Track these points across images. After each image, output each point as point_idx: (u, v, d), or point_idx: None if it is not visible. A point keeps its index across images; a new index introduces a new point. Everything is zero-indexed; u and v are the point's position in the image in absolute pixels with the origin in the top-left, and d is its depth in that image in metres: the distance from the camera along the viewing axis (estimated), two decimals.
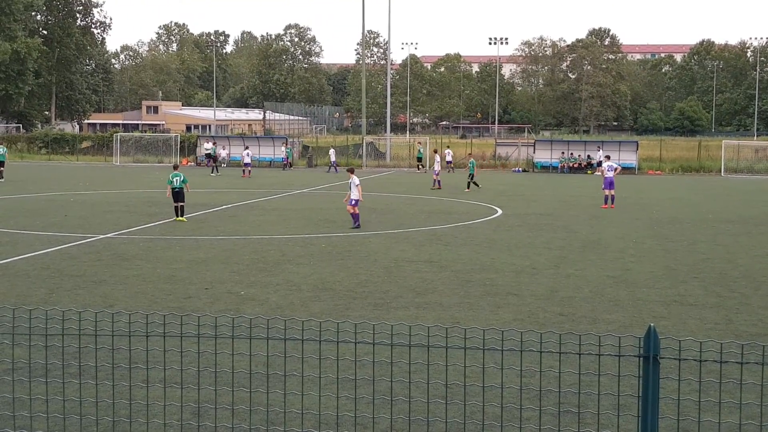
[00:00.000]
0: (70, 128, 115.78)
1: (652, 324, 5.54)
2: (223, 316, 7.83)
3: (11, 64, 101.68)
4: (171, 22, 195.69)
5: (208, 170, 56.44)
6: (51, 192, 38.00)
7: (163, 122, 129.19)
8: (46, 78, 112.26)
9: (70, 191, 37.40)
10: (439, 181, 44.10)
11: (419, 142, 66.39)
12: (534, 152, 63.77)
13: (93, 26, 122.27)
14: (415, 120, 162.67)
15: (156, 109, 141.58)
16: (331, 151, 60.88)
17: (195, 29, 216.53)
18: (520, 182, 50.80)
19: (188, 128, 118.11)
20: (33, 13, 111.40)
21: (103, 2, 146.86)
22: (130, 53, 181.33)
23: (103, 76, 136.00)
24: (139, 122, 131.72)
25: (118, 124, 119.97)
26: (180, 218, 27.54)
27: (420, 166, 60.94)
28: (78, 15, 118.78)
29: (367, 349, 8.79)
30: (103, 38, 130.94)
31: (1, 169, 46.92)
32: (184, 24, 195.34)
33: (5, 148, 51.13)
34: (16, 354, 7.15)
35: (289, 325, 6.59)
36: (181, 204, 27.91)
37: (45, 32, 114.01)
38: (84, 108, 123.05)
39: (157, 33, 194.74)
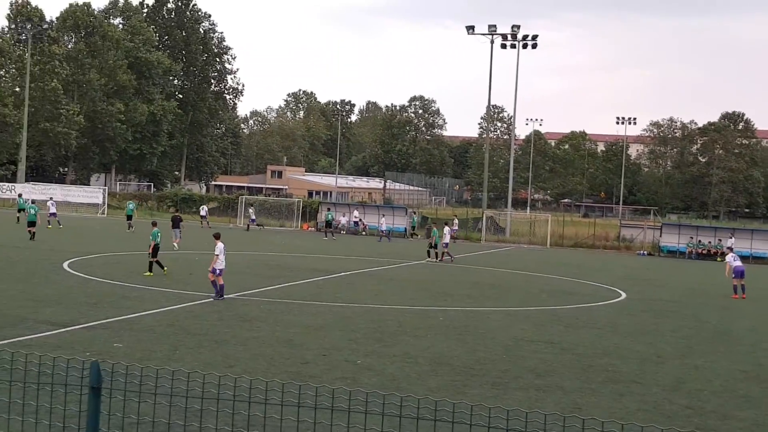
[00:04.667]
0: (197, 189, 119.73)
1: None
2: (338, 387, 7.71)
3: (147, 125, 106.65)
4: (299, 90, 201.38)
5: (327, 236, 57.27)
6: (177, 251, 39.07)
7: (287, 187, 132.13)
8: (179, 140, 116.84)
9: (195, 251, 38.40)
10: (448, 253, 43.52)
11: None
12: (660, 236, 62.07)
13: (226, 92, 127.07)
14: (536, 196, 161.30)
15: (280, 174, 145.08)
16: (446, 230, 57.68)
17: (322, 98, 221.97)
18: (645, 266, 49.37)
19: (310, 194, 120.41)
20: (171, 78, 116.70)
21: (237, 69, 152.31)
22: (259, 119, 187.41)
23: (232, 139, 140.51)
24: (263, 186, 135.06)
25: (243, 187, 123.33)
26: (148, 274, 27.87)
27: None
28: (213, 81, 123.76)
29: None
30: (235, 104, 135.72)
31: (129, 222, 51.58)
32: (311, 92, 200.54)
33: (135, 204, 57.84)
34: (141, 410, 7.19)
35: (405, 402, 6.45)
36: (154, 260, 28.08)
37: (180, 96, 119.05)
38: (212, 170, 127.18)
39: (286, 100, 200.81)
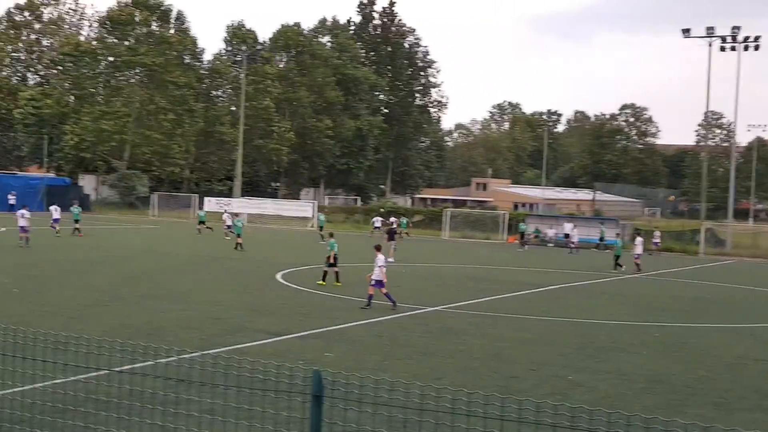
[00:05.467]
0: (402, 202, 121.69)
1: None
2: (544, 401, 7.39)
3: (354, 140, 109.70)
4: (504, 101, 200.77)
5: (535, 249, 56.55)
6: (389, 264, 39.64)
7: (492, 199, 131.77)
8: (384, 153, 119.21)
9: (402, 263, 38.81)
10: (638, 264, 41.67)
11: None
12: None
13: (430, 105, 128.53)
14: (759, 206, 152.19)
15: (485, 186, 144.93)
16: (638, 240, 52.12)
17: (527, 108, 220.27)
18: None
19: (515, 206, 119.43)
20: (377, 93, 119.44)
21: (441, 82, 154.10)
22: (463, 131, 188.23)
23: (436, 152, 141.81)
24: (468, 198, 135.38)
25: (447, 200, 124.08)
26: (321, 282, 28.24)
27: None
28: (417, 95, 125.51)
29: None
30: (439, 117, 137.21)
31: (321, 233, 53.29)
32: (516, 103, 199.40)
33: (324, 216, 62.15)
34: (351, 418, 7.18)
35: (614, 419, 6.09)
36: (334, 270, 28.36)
37: (386, 111, 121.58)
38: (417, 183, 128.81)
39: (490, 112, 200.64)
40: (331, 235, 30.34)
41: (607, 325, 22.62)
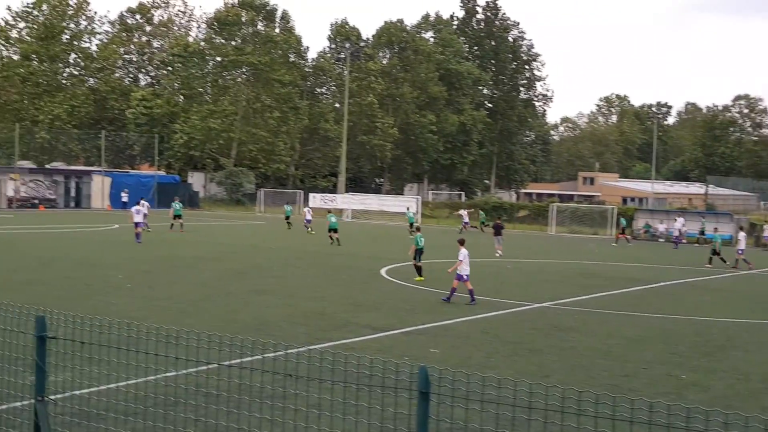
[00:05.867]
0: (507, 197, 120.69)
1: None
2: (657, 401, 7.10)
3: (458, 135, 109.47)
4: (612, 93, 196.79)
5: (645, 244, 55.28)
6: (496, 258, 39.41)
7: (599, 193, 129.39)
8: (488, 148, 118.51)
9: (511, 259, 38.43)
10: (745, 260, 39.79)
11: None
12: None
13: (535, 99, 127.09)
14: None
15: (592, 181, 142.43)
16: (741, 235, 48.39)
17: (636, 101, 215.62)
18: None
19: (624, 200, 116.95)
20: (480, 88, 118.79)
21: (547, 76, 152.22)
22: (570, 125, 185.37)
23: (541, 147, 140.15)
24: (574, 193, 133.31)
25: (553, 194, 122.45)
26: (418, 278, 28.02)
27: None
28: (522, 89, 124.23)
29: None
30: (544, 110, 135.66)
31: (411, 229, 53.89)
32: (625, 96, 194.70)
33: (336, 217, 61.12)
34: (458, 415, 7.07)
35: (731, 419, 5.88)
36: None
37: (490, 105, 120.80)
38: (522, 178, 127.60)
39: (597, 105, 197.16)
40: (418, 229, 30.62)
41: (721, 322, 21.85)
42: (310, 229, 52.98)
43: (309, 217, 55.84)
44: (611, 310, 23.18)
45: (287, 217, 58.02)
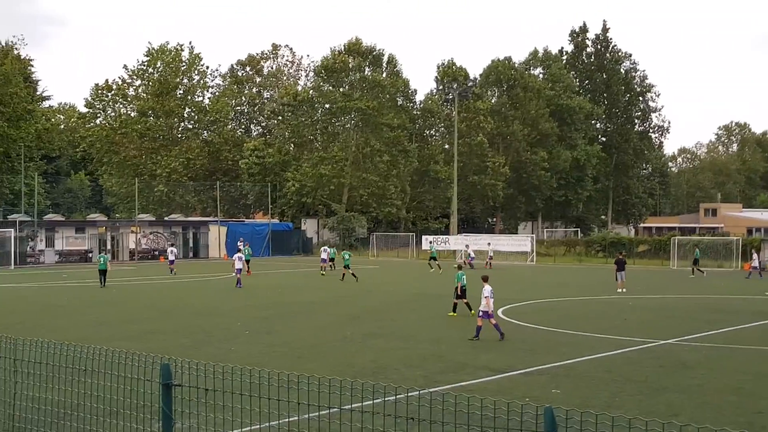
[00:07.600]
0: (625, 232, 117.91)
1: None
2: None
3: (571, 171, 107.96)
4: (731, 122, 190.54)
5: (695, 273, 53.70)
6: (619, 295, 38.51)
7: (722, 225, 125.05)
8: (604, 183, 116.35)
9: (629, 296, 37.49)
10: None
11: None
12: None
13: (651, 131, 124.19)
14: None
15: (714, 212, 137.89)
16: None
17: (757, 128, 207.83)
18: None
19: (749, 231, 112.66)
20: (593, 122, 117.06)
21: (662, 107, 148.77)
22: (688, 155, 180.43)
23: (659, 179, 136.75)
24: (696, 225, 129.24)
25: (674, 228, 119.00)
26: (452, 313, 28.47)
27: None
28: (636, 121, 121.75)
29: None
30: (661, 142, 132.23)
31: (431, 262, 55.62)
32: (745, 123, 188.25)
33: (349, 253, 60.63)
34: None
35: None
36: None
37: (604, 139, 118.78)
38: (640, 211, 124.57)
39: (716, 134, 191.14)
40: (459, 268, 30.68)
41: None
42: (325, 270, 53.70)
43: (324, 255, 54.88)
44: (740, 345, 22.25)
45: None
